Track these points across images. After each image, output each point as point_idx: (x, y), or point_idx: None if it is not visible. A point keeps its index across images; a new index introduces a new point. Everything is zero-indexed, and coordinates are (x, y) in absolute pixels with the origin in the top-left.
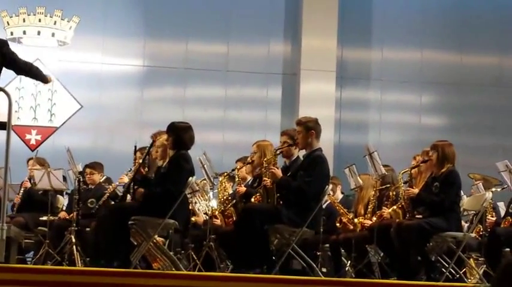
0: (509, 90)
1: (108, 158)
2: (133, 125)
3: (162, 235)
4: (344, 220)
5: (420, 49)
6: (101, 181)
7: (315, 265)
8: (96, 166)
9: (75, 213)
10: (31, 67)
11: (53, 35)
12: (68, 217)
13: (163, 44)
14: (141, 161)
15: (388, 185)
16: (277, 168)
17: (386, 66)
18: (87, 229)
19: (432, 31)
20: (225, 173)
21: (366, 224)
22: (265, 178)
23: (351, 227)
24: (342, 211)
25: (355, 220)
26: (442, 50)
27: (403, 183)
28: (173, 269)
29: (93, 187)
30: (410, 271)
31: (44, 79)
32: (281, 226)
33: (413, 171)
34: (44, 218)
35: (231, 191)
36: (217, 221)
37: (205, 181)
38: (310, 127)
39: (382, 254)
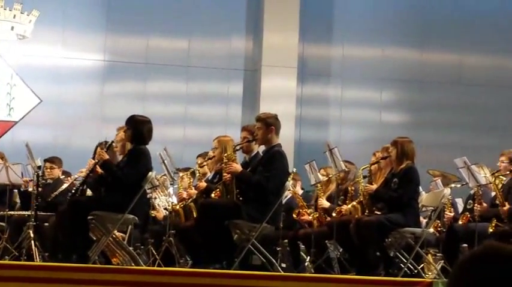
0: (469, 88)
1: (68, 153)
2: (94, 120)
3: (122, 230)
4: (302, 212)
5: (381, 46)
6: (60, 175)
7: (274, 261)
8: (55, 161)
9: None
10: None
11: (12, 28)
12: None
13: (125, 39)
14: (96, 160)
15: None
16: (237, 163)
17: (347, 63)
18: (46, 224)
19: (393, 28)
20: (190, 170)
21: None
22: (225, 174)
23: (308, 218)
24: (301, 203)
25: (311, 216)
26: (403, 47)
27: (363, 178)
28: (132, 264)
29: (51, 182)
30: (369, 266)
31: None
32: (241, 222)
33: (373, 167)
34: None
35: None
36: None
37: (165, 177)
38: (270, 123)
39: (341, 249)
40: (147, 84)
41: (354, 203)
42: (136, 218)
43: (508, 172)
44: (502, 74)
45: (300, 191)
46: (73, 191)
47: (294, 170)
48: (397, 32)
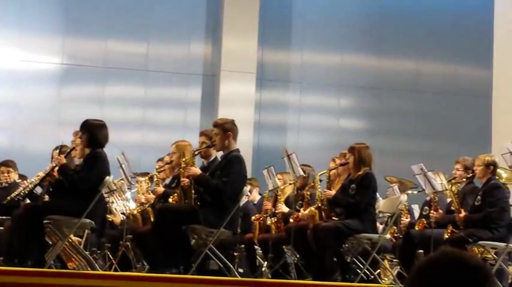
0: (426, 95)
1: (25, 157)
2: (51, 123)
3: (78, 234)
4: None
5: (339, 53)
6: (16, 179)
7: (231, 266)
8: (11, 164)
9: None
10: None
11: None
12: None
13: (83, 42)
14: (53, 164)
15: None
16: (196, 167)
17: (306, 69)
18: (1, 228)
19: (351, 35)
20: (149, 175)
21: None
22: (183, 179)
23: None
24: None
25: (268, 221)
26: (361, 55)
27: (319, 183)
28: (89, 269)
29: (7, 185)
30: (326, 271)
31: None
32: (198, 227)
33: (331, 173)
34: None
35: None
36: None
37: (123, 181)
38: (227, 129)
39: (298, 255)
40: (105, 88)
41: (312, 208)
42: (93, 222)
43: (463, 180)
44: (458, 82)
45: (258, 197)
46: (22, 194)
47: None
48: (356, 39)
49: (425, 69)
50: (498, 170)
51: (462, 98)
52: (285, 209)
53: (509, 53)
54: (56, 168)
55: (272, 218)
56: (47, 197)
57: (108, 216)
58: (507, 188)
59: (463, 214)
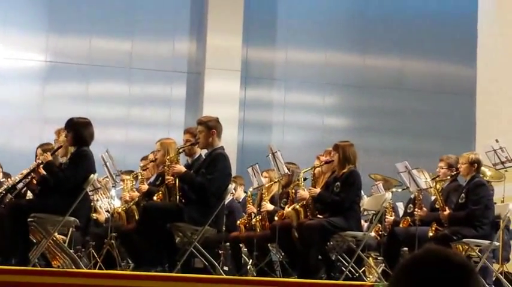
0: (410, 93)
1: (8, 154)
2: (35, 121)
3: (63, 232)
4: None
5: (324, 51)
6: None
7: (216, 264)
8: None
9: None
10: None
11: None
12: None
13: (67, 39)
14: (39, 161)
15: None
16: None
17: (291, 66)
18: None
19: (336, 33)
20: (134, 173)
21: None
22: (167, 177)
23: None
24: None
25: (253, 219)
26: (346, 52)
27: (303, 181)
28: (73, 267)
29: None
30: (310, 269)
31: None
32: (183, 225)
33: (316, 171)
34: None
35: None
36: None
37: (107, 179)
38: (211, 126)
39: (283, 253)
40: (90, 85)
41: (297, 206)
42: (78, 220)
43: (447, 177)
44: (442, 80)
45: (243, 195)
46: (3, 191)
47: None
48: (340, 38)
49: (409, 68)
50: (482, 168)
51: (446, 96)
52: (270, 207)
53: (493, 51)
54: (41, 165)
55: (257, 216)
56: (29, 195)
57: (93, 214)
58: (491, 186)
59: (447, 211)
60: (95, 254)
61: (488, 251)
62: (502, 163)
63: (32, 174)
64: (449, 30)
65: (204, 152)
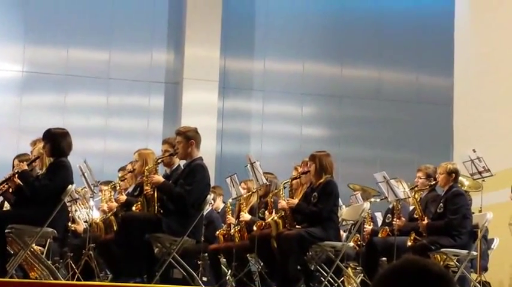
0: (387, 103)
1: None
2: (12, 131)
3: (40, 243)
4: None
5: (302, 61)
6: None
7: (195, 274)
8: None
9: None
10: None
11: None
12: None
13: (44, 50)
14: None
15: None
16: (159, 175)
17: (269, 77)
18: None
19: (313, 44)
20: (112, 183)
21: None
22: (146, 187)
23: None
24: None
25: (232, 230)
26: (323, 63)
27: (283, 190)
28: (51, 278)
29: None
30: (290, 280)
31: None
32: (162, 235)
33: (293, 182)
34: None
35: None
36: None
37: (85, 189)
38: (190, 137)
39: (262, 263)
40: (67, 95)
41: (275, 217)
42: (55, 231)
43: (426, 187)
44: (419, 90)
45: (221, 205)
46: None
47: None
48: (318, 48)
49: (387, 78)
50: (460, 178)
51: (423, 106)
52: (247, 217)
53: (470, 61)
54: (17, 175)
55: (236, 227)
56: (7, 206)
57: (71, 224)
58: (469, 196)
59: (425, 221)
60: (73, 265)
61: (466, 261)
62: (480, 172)
63: (8, 183)
64: (427, 41)
65: (182, 162)
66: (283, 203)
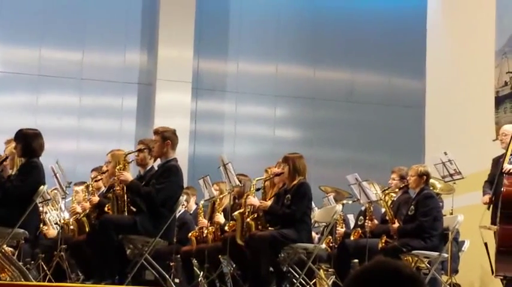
0: (360, 106)
1: None
2: None
3: (11, 244)
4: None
5: (275, 63)
6: None
7: (167, 276)
8: None
9: None
10: None
11: None
12: None
13: (16, 50)
14: None
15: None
16: (129, 174)
17: (242, 78)
18: None
19: (287, 46)
20: (85, 184)
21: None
22: (116, 186)
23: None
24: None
25: (205, 231)
26: (296, 65)
27: (255, 191)
28: (22, 280)
29: None
30: (261, 281)
31: None
32: (134, 237)
33: (266, 183)
34: None
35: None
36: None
37: (56, 190)
38: (167, 137)
39: (234, 265)
40: (40, 96)
41: (248, 219)
42: (27, 232)
43: (397, 189)
44: (391, 92)
45: (194, 206)
46: None
47: None
48: (291, 50)
49: (359, 80)
50: (432, 181)
51: (396, 108)
52: (222, 219)
53: (442, 64)
54: None
55: (210, 228)
56: None
57: (42, 226)
58: (440, 199)
59: (396, 224)
60: (44, 266)
61: (437, 263)
62: (451, 175)
63: None
64: (399, 44)
65: (156, 164)
66: (251, 199)
